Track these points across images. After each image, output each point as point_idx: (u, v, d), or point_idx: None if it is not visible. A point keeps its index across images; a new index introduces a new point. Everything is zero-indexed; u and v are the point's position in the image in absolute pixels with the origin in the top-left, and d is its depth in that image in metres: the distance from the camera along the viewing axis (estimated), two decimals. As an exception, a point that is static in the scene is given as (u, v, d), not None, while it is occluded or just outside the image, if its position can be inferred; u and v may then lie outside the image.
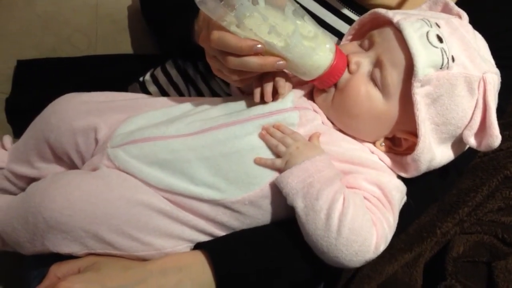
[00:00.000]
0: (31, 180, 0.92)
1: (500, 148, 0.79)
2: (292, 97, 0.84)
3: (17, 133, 0.98)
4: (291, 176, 0.75)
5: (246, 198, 0.79)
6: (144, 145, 0.81)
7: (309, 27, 0.78)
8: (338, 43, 0.94)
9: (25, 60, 1.21)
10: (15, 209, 0.80)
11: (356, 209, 0.74)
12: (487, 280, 1.00)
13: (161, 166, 0.80)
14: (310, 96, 0.86)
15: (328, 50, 0.79)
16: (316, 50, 0.78)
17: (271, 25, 0.75)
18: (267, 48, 0.76)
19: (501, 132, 0.77)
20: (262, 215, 0.81)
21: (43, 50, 1.22)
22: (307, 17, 0.79)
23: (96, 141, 0.86)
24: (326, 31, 0.82)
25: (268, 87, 0.81)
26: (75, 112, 0.88)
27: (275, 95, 0.83)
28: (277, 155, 0.79)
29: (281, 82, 0.81)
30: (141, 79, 1.19)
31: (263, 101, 0.82)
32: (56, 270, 0.77)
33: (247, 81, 0.83)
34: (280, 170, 0.78)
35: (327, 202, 0.74)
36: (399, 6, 0.94)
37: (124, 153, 0.81)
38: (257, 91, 0.82)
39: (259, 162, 0.79)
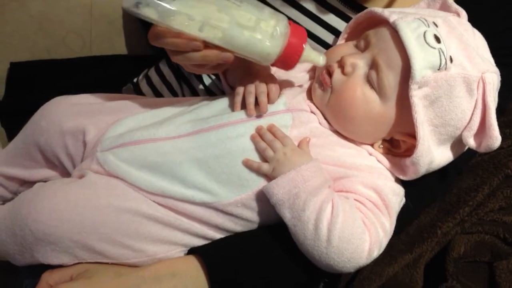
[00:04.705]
0: (23, 182, 0.92)
1: (501, 146, 0.78)
2: (285, 100, 0.83)
3: (11, 137, 0.97)
4: (276, 187, 0.74)
5: (238, 200, 0.78)
6: (134, 148, 0.80)
7: (249, 14, 0.73)
8: (335, 42, 0.93)
9: (18, 62, 1.20)
10: (2, 221, 0.79)
11: (346, 216, 0.72)
12: (488, 281, 0.99)
13: (152, 169, 0.79)
14: (310, 94, 0.85)
15: (277, 36, 0.74)
16: (260, 39, 0.73)
17: (201, 22, 0.71)
18: (208, 42, 0.72)
19: (502, 130, 0.76)
20: (255, 216, 0.80)
21: (36, 51, 1.21)
22: (246, 3, 0.74)
23: (84, 143, 0.85)
24: (275, 12, 0.76)
25: (251, 98, 0.80)
26: (65, 114, 0.87)
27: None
28: (265, 159, 0.78)
29: (263, 97, 0.79)
30: (135, 80, 1.18)
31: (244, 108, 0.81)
32: (48, 278, 0.76)
33: (221, 68, 0.81)
34: (267, 176, 0.77)
35: (314, 213, 0.73)
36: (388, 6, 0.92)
37: (114, 156, 0.80)
38: (238, 100, 0.81)
39: (246, 164, 0.78)
